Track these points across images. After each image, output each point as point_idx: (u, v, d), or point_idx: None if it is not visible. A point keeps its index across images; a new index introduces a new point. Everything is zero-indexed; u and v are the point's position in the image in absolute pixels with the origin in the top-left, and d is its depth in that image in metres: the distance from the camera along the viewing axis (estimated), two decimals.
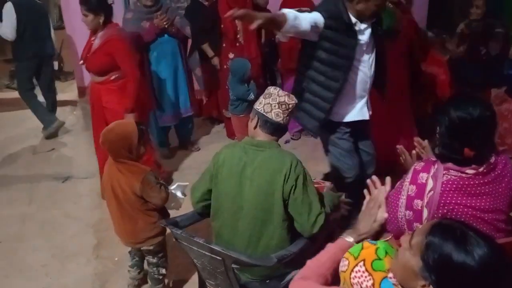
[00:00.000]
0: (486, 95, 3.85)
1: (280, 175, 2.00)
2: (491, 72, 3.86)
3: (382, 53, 2.82)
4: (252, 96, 4.07)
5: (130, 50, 3.43)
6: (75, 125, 5.60)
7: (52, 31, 5.28)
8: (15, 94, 6.22)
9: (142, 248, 2.60)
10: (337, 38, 2.57)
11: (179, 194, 2.78)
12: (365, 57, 2.71)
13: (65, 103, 6.23)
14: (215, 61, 4.63)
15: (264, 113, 2.09)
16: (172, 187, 2.68)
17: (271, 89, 2.14)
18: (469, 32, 4.04)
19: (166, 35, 4.18)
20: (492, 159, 1.78)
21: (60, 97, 6.42)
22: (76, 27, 5.85)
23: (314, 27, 2.50)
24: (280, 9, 5.14)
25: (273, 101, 2.08)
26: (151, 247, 2.56)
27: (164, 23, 4.05)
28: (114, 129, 2.47)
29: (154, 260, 2.62)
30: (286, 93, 2.13)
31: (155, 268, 2.63)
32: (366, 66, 2.73)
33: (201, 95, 5.14)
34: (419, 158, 2.17)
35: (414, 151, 2.19)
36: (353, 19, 2.59)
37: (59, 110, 6.06)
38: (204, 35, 4.56)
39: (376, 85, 2.88)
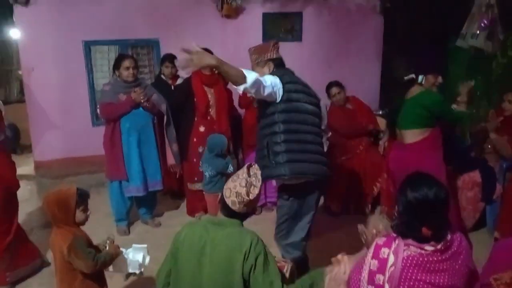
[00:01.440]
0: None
1: (240, 253, 1.98)
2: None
3: None
4: (231, 169, 4.15)
5: None
6: (28, 200, 5.39)
7: None
8: None
9: None
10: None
11: (138, 257, 2.73)
12: None
13: (20, 177, 5.99)
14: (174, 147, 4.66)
15: (224, 196, 2.11)
16: (129, 250, 2.70)
17: (240, 173, 2.16)
18: None
19: (140, 109, 4.26)
20: (448, 237, 1.85)
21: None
22: (36, 102, 5.84)
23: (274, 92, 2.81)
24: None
25: (234, 188, 2.10)
26: None
27: (141, 97, 4.13)
28: (53, 193, 2.54)
29: None
30: (250, 183, 2.10)
31: None
32: None
33: (176, 169, 5.08)
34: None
35: (374, 231, 2.22)
36: None
37: None
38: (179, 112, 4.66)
39: None
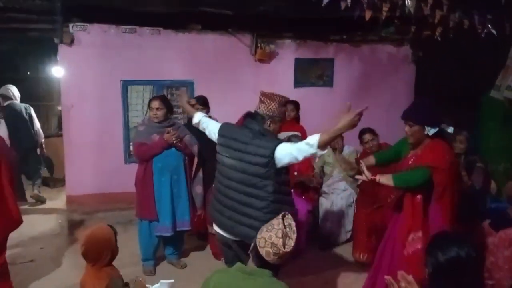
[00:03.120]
0: (474, 227, 3.91)
1: None
2: (476, 206, 3.97)
3: None
4: None
5: None
6: (58, 235, 5.48)
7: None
8: None
9: None
10: None
11: None
12: None
13: (51, 211, 6.17)
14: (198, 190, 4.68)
15: (258, 246, 2.10)
16: (156, 286, 2.72)
17: (275, 222, 2.14)
18: None
19: (173, 149, 4.33)
20: None
21: (47, 204, 6.39)
22: (73, 138, 6.03)
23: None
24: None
25: (269, 239, 2.08)
26: None
27: (173, 138, 4.21)
28: (94, 233, 2.53)
29: None
30: (286, 234, 2.09)
31: None
32: None
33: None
34: None
35: (402, 284, 2.15)
36: None
37: (45, 218, 6.01)
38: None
39: None
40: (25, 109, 6.56)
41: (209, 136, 3.43)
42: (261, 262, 2.09)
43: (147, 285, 2.75)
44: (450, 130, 3.50)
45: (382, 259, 3.51)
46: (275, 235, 2.07)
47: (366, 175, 3.31)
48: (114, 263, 2.68)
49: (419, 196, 3.22)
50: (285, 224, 2.11)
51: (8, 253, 4.76)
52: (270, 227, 2.12)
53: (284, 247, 2.06)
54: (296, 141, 3.70)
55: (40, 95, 8.87)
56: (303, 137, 5.41)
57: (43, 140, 6.80)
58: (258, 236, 2.12)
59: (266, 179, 2.90)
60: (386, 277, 2.31)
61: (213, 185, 3.36)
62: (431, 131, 3.21)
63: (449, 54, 6.31)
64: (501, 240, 3.75)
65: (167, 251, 4.70)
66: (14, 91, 6.58)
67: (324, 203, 5.10)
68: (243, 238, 2.95)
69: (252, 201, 2.94)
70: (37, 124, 6.72)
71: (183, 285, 4.19)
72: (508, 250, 3.72)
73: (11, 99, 6.49)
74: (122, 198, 5.93)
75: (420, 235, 3.19)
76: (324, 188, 5.19)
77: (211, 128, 3.37)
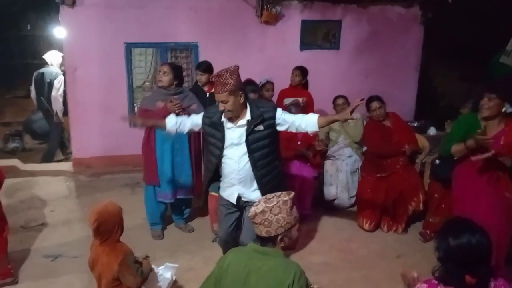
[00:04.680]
0: None
1: (283, 287, 2.02)
2: None
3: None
4: None
5: None
6: (67, 197, 5.57)
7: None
8: (8, 162, 6.25)
9: None
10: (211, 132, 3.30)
11: (167, 275, 2.80)
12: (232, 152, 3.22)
13: (59, 173, 6.24)
14: None
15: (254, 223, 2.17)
16: (161, 268, 2.72)
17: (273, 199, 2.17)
18: None
19: None
20: (491, 284, 1.85)
21: (56, 166, 6.46)
22: (77, 101, 6.03)
23: (195, 125, 3.42)
24: (278, 100, 5.42)
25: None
26: None
27: (175, 108, 4.19)
28: (106, 208, 2.56)
29: None
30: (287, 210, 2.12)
31: None
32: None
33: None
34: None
35: (415, 274, 2.19)
36: (223, 118, 3.21)
37: (53, 180, 6.09)
38: None
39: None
40: (50, 75, 6.63)
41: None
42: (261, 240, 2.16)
43: (152, 266, 2.82)
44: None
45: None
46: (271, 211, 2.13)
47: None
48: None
49: None
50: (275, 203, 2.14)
51: (21, 216, 4.94)
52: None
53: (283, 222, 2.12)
54: (294, 111, 3.85)
55: (43, 53, 8.73)
56: (309, 103, 5.41)
57: (58, 109, 6.70)
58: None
59: None
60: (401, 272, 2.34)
61: None
62: (509, 109, 3.21)
63: (460, 16, 6.17)
64: None
65: (175, 216, 4.79)
66: (50, 57, 6.76)
67: (329, 169, 5.15)
68: None
69: None
70: (54, 91, 6.63)
71: (190, 249, 4.33)
72: None
73: (47, 64, 6.76)
74: (129, 160, 6.00)
75: None
76: (330, 153, 5.22)
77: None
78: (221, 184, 3.42)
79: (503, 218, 3.35)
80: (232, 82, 3.02)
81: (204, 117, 3.36)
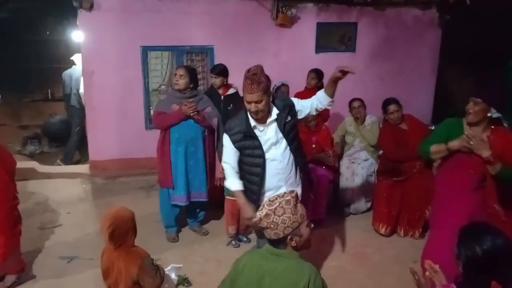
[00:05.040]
0: None
1: None
2: None
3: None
4: None
5: None
6: (83, 200, 5.62)
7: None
8: (26, 164, 6.34)
9: None
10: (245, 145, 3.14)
11: (172, 275, 2.82)
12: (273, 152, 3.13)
13: (75, 175, 6.30)
14: None
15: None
16: (167, 269, 2.73)
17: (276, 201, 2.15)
18: None
19: (191, 121, 4.32)
20: None
21: (72, 169, 6.52)
22: (94, 104, 6.09)
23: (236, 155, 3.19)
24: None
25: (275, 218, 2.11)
26: None
27: (190, 111, 4.21)
28: (119, 213, 2.55)
29: None
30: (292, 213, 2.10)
31: None
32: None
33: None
34: (431, 281, 2.12)
35: (427, 273, 2.14)
36: (252, 123, 3.09)
37: (69, 182, 6.16)
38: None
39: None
40: (78, 73, 6.88)
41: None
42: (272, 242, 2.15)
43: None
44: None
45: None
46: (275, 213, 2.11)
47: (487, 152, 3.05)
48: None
49: None
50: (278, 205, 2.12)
51: (38, 218, 4.99)
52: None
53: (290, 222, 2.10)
54: None
55: (60, 57, 8.86)
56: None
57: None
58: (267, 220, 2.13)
59: None
60: (410, 267, 2.29)
61: None
62: (495, 114, 3.14)
63: (478, 18, 6.08)
64: None
65: (189, 218, 4.80)
66: (76, 58, 7.02)
67: (345, 172, 5.10)
68: None
69: None
70: (81, 88, 6.68)
71: (204, 252, 4.33)
72: None
73: (74, 64, 7.15)
74: (144, 163, 6.03)
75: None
76: (345, 157, 5.17)
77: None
78: (267, 195, 3.16)
79: None
80: (265, 80, 2.96)
81: (230, 138, 3.16)
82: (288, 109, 3.13)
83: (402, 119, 4.58)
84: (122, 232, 2.50)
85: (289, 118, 3.12)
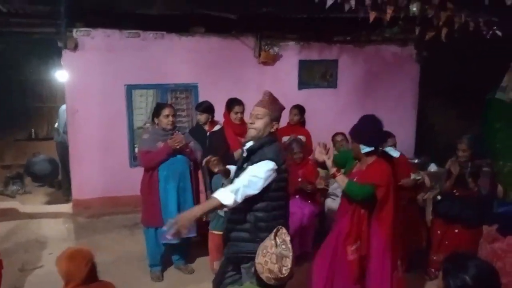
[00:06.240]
0: (478, 233, 3.92)
1: None
2: (482, 211, 3.98)
3: None
4: None
5: None
6: (66, 239, 5.50)
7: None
8: (8, 204, 6.23)
9: None
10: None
11: None
12: None
13: (57, 215, 6.19)
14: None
15: (258, 271, 2.13)
16: None
17: (268, 245, 2.15)
18: (460, 173, 4.19)
19: (178, 156, 4.32)
20: None
21: (55, 208, 6.41)
22: (78, 141, 6.07)
23: None
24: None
25: (265, 264, 2.10)
26: None
27: (176, 144, 4.20)
28: (84, 249, 2.58)
29: None
30: (281, 255, 2.09)
31: None
32: None
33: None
34: None
35: None
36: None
37: (52, 222, 6.04)
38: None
39: None
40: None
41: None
42: (265, 285, 2.13)
43: None
44: (396, 154, 3.53)
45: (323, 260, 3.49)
46: (270, 261, 2.09)
47: (329, 168, 3.42)
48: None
49: (363, 210, 3.31)
50: (278, 242, 2.12)
51: (17, 258, 4.85)
52: (264, 251, 2.13)
53: (282, 272, 2.08)
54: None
55: (44, 96, 8.87)
56: (307, 141, 5.43)
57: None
58: (256, 261, 2.14)
59: None
60: None
61: None
62: (364, 149, 3.30)
63: (454, 54, 6.29)
64: (509, 245, 3.76)
65: (175, 257, 4.71)
66: None
67: (331, 205, 5.10)
68: None
69: None
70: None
71: None
72: None
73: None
74: (128, 201, 5.95)
75: (359, 245, 3.30)
76: (331, 190, 5.19)
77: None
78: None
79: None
80: (278, 108, 3.00)
81: (278, 172, 2.85)
82: (251, 162, 2.88)
83: None
84: (85, 269, 2.47)
85: (245, 165, 2.92)
